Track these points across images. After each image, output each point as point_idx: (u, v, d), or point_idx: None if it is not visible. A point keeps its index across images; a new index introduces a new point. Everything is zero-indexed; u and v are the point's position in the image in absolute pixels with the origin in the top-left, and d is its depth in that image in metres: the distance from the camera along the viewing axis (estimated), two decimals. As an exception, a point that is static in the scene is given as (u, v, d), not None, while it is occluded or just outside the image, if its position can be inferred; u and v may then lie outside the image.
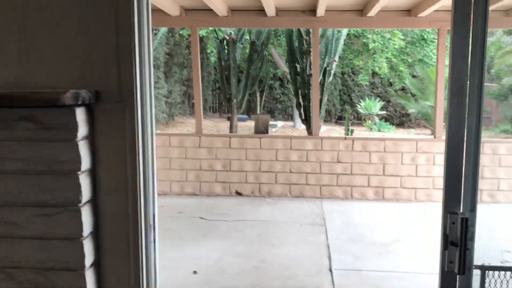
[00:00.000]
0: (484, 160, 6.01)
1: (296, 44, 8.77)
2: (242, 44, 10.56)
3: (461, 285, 1.53)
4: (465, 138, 1.50)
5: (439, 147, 6.17)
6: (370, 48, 13.05)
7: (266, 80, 16.78)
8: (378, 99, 17.33)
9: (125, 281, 1.68)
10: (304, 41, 8.53)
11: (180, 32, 14.64)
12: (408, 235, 4.88)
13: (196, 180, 6.47)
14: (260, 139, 6.47)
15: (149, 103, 1.68)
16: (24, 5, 1.59)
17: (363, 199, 6.31)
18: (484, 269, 1.63)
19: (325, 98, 9.31)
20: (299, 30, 8.50)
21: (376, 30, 12.88)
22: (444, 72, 6.34)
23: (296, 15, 6.18)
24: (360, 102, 17.22)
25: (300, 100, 8.76)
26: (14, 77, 1.61)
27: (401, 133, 16.32)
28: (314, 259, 4.23)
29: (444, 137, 6.14)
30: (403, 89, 16.71)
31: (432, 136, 6.81)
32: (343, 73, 17.77)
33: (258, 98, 18.02)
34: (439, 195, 6.22)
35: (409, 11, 6.08)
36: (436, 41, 12.56)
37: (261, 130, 11.43)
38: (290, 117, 17.98)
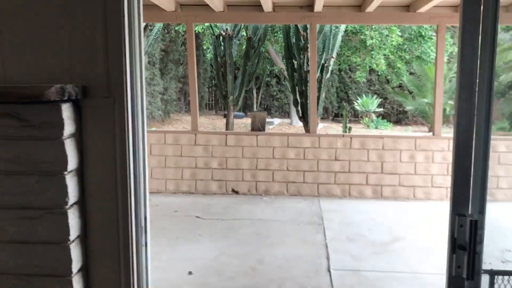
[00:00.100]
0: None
1: (293, 40, 8.66)
2: (238, 40, 10.45)
3: (469, 291, 1.46)
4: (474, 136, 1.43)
5: (438, 145, 6.11)
6: (368, 44, 12.98)
7: (262, 77, 16.70)
8: (375, 96, 17.29)
9: (115, 287, 1.60)
10: (302, 37, 8.42)
11: (176, 29, 14.52)
12: (407, 234, 4.82)
13: (191, 178, 6.39)
14: (256, 137, 6.39)
15: (140, 98, 1.59)
16: (6, -6, 1.50)
17: (361, 198, 6.24)
18: (493, 273, 1.55)
19: (323, 95, 9.22)
20: (296, 26, 8.39)
21: (374, 27, 12.80)
22: (443, 69, 6.27)
23: (293, 10, 6.09)
24: (357, 99, 17.18)
25: (297, 97, 8.65)
26: (-4, 71, 1.52)
27: (398, 130, 16.29)
28: (312, 259, 4.16)
29: (443, 135, 6.02)
30: (400, 86, 16.68)
31: (431, 134, 6.74)
32: (340, 70, 17.71)
33: (255, 95, 17.96)
34: (437, 193, 6.17)
35: (408, 7, 6.00)
36: (434, 37, 12.54)
37: (258, 127, 11.36)
38: (287, 114, 17.92)
